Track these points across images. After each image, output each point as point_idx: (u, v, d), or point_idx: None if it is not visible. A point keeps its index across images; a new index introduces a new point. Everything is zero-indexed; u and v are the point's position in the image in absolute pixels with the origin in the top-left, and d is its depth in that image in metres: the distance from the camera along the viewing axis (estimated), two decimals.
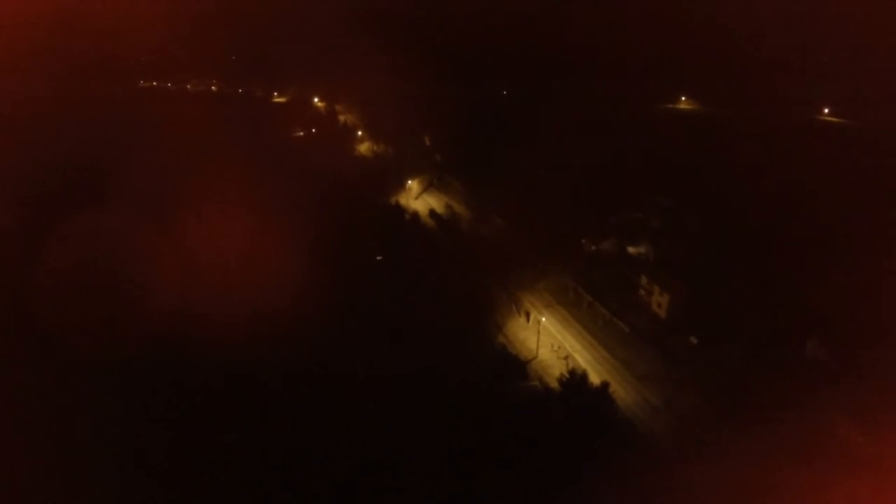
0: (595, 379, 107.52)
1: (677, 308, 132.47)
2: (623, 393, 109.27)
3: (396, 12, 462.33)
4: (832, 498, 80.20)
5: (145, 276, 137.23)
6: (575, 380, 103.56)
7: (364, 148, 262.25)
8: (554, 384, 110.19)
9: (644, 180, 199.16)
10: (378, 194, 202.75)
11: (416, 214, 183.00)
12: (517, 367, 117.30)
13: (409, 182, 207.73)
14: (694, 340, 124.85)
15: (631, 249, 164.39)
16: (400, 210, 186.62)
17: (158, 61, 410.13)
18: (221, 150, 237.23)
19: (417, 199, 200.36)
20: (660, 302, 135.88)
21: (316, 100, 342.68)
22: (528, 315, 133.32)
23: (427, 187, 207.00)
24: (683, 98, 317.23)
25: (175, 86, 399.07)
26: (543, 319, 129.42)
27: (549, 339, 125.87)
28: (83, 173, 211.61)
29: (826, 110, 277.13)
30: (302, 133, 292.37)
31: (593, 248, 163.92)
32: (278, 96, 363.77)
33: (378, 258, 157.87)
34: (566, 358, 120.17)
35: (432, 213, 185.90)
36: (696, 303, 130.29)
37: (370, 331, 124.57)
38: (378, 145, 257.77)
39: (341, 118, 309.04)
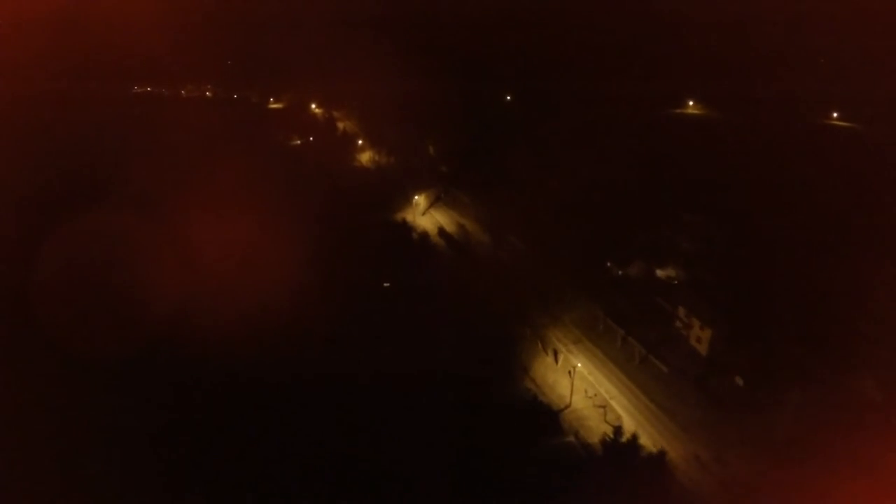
0: (633, 426, 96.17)
1: (718, 342, 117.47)
2: (668, 447, 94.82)
3: (396, 16, 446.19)
4: None
5: (130, 289, 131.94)
6: (620, 441, 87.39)
7: (365, 158, 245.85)
8: (593, 440, 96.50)
9: (665, 193, 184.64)
10: (382, 210, 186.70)
11: (424, 234, 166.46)
12: (550, 418, 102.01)
13: (415, 196, 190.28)
14: (739, 381, 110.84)
15: (659, 272, 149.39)
16: (407, 228, 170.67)
17: (153, 65, 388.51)
18: (213, 162, 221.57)
19: (424, 214, 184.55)
20: (699, 336, 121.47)
21: (313, 106, 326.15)
22: (555, 353, 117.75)
23: (434, 202, 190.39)
24: (691, 102, 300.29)
25: (169, 91, 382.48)
26: (578, 365, 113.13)
27: (581, 383, 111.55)
28: (71, 179, 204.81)
29: (835, 114, 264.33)
30: (299, 141, 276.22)
31: (619, 272, 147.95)
32: (274, 102, 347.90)
33: (385, 285, 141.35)
34: (604, 407, 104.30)
35: (442, 231, 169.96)
36: (738, 336, 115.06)
37: (377, 376, 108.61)
38: (380, 155, 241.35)
39: (340, 125, 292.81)
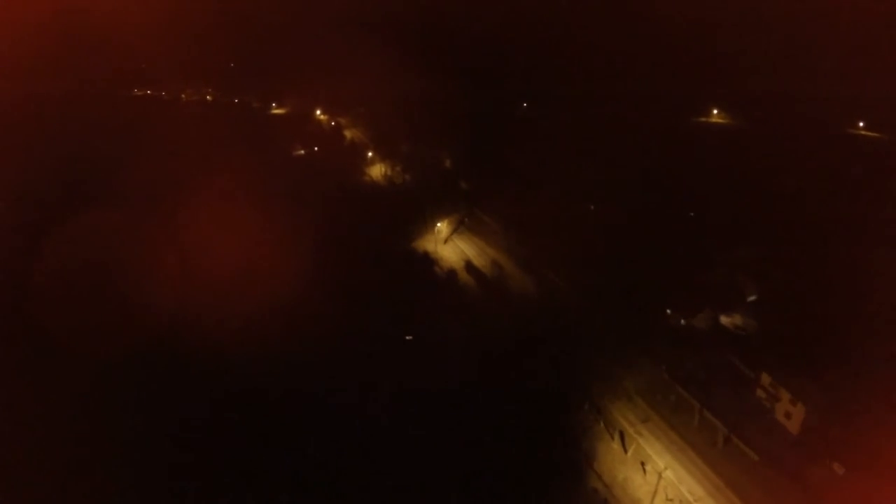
0: None
1: (810, 417, 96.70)
2: None
3: (407, 19, 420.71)
4: None
5: (127, 295, 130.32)
6: None
7: (376, 172, 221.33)
8: None
9: (712, 219, 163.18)
10: (398, 237, 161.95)
11: (451, 271, 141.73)
12: None
13: (436, 221, 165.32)
14: (839, 470, 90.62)
15: (724, 320, 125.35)
16: (429, 262, 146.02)
17: (154, 68, 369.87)
18: (210, 173, 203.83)
19: (447, 243, 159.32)
20: (788, 411, 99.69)
21: (318, 112, 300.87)
22: (622, 437, 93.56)
23: (457, 227, 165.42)
24: (715, 111, 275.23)
25: (169, 94, 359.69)
26: (665, 471, 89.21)
27: (656, 477, 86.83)
28: (68, 183, 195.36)
29: (861, 123, 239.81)
30: (303, 151, 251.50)
31: (682, 321, 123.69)
32: (277, 107, 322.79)
33: (407, 338, 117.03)
34: None
35: (469, 266, 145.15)
36: (831, 408, 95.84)
37: (399, 472, 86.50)
38: (392, 169, 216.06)
39: (347, 134, 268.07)
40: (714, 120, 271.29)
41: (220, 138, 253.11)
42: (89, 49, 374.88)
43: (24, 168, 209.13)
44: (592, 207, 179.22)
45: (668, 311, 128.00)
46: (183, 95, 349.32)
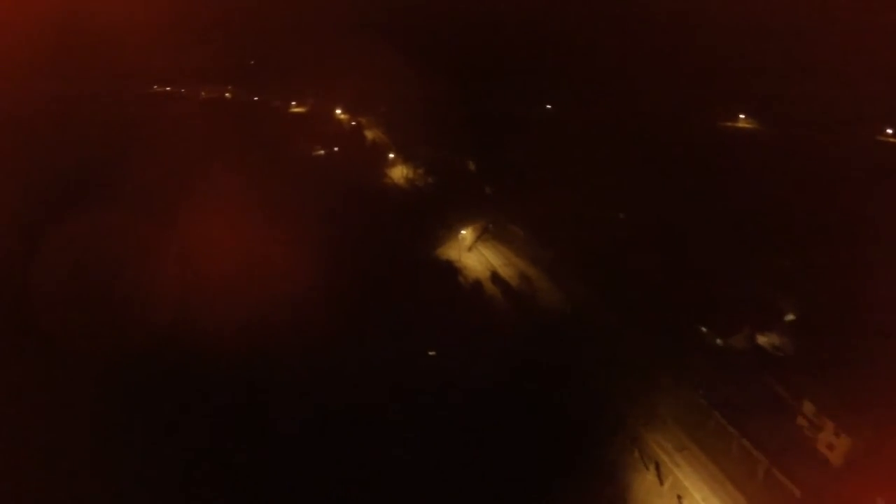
0: None
1: (854, 450, 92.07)
2: None
3: (430, 17, 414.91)
4: None
5: (133, 294, 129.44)
6: None
7: (397, 174, 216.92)
8: None
9: (744, 229, 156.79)
10: (420, 243, 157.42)
11: (476, 283, 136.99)
12: None
13: (460, 227, 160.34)
14: None
15: (761, 339, 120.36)
16: (452, 271, 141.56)
17: (173, 64, 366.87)
18: (229, 169, 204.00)
19: (471, 251, 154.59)
20: (831, 443, 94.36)
21: (339, 111, 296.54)
22: (658, 468, 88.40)
23: (481, 234, 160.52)
24: (742, 116, 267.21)
25: (188, 91, 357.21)
26: (694, 493, 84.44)
27: None
28: (81, 180, 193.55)
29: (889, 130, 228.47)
30: (322, 151, 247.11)
31: (718, 340, 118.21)
32: (297, 106, 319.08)
33: (430, 353, 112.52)
34: None
35: (495, 277, 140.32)
36: (874, 438, 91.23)
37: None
38: (414, 171, 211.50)
39: (368, 134, 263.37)
40: (741, 125, 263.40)
41: (238, 137, 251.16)
42: (107, 45, 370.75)
43: (35, 167, 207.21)
44: (622, 216, 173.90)
45: (704, 329, 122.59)
46: (202, 93, 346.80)
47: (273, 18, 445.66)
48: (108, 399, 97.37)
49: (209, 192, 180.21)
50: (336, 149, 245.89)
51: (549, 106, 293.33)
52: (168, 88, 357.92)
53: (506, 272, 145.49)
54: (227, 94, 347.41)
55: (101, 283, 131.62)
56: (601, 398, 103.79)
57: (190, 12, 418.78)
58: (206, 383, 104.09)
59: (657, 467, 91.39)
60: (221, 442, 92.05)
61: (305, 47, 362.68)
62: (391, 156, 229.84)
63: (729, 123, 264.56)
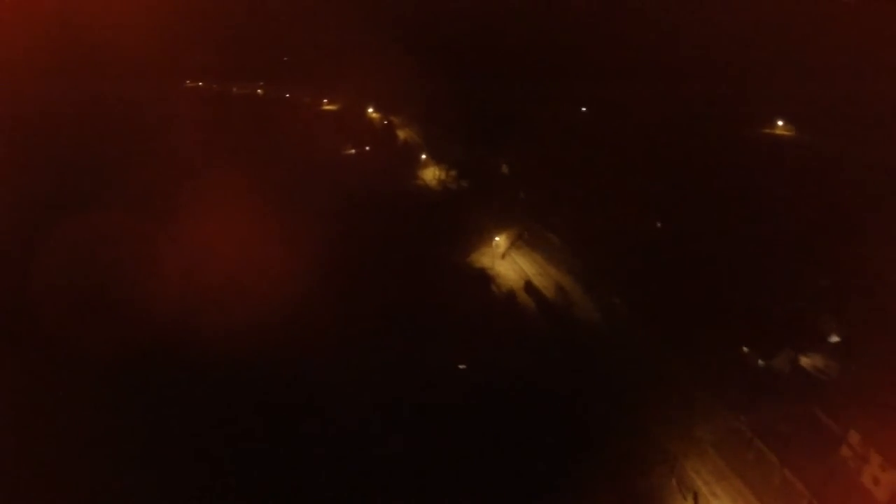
0: None
1: None
2: None
3: (466, 17, 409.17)
4: None
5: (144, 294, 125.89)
6: None
7: (429, 175, 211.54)
8: None
9: (788, 244, 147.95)
10: (452, 248, 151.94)
11: (510, 293, 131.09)
12: None
13: (493, 233, 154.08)
14: None
15: (804, 361, 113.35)
16: (485, 278, 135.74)
17: (210, 59, 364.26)
18: (260, 167, 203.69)
19: (504, 257, 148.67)
20: (877, 477, 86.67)
21: (370, 110, 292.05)
22: (695, 497, 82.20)
23: (515, 241, 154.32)
24: (780, 122, 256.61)
25: (220, 87, 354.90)
26: None
27: None
28: (111, 178, 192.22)
29: None
30: (353, 151, 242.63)
31: (760, 361, 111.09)
32: (328, 104, 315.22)
33: (460, 367, 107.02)
34: None
35: (529, 286, 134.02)
36: None
37: None
38: (446, 173, 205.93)
39: (400, 134, 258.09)
40: (778, 132, 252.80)
41: (268, 135, 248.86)
42: (140, 40, 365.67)
43: (52, 165, 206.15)
44: (659, 224, 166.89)
45: (745, 349, 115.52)
46: (234, 89, 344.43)
47: (306, 15, 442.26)
48: (108, 399, 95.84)
49: (232, 191, 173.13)
50: (367, 148, 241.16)
51: (584, 109, 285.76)
52: (200, 84, 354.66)
53: (540, 282, 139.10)
54: (259, 91, 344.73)
55: (101, 284, 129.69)
56: (638, 422, 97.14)
57: (224, 9, 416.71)
58: (207, 383, 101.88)
59: (695, 498, 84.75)
60: (222, 442, 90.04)
61: (338, 44, 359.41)
62: (423, 156, 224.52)
63: (766, 130, 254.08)
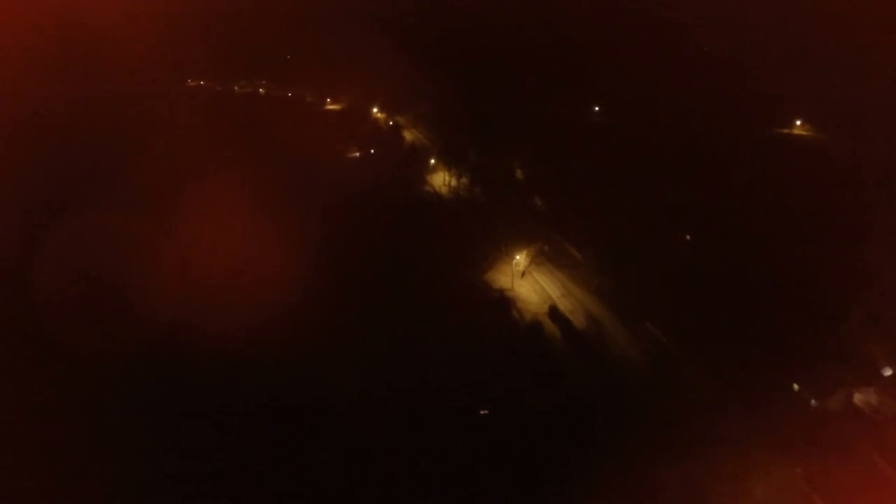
0: None
1: None
2: None
3: (475, 13, 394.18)
4: None
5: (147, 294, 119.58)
6: None
7: (438, 181, 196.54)
8: None
9: (829, 259, 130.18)
10: (465, 266, 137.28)
11: (535, 322, 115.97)
12: None
13: (510, 248, 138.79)
14: None
15: (857, 398, 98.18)
16: (504, 302, 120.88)
17: (209, 59, 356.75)
18: (259, 171, 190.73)
19: (524, 276, 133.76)
20: None
21: (375, 110, 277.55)
22: None
23: (535, 257, 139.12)
24: (799, 122, 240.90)
25: (222, 86, 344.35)
26: None
27: None
28: (111, 178, 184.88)
29: None
30: (358, 154, 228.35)
31: (813, 402, 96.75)
32: (332, 103, 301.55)
33: (482, 412, 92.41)
34: None
35: (554, 312, 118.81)
36: None
37: None
38: (458, 179, 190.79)
39: (407, 136, 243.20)
40: (797, 132, 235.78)
41: (270, 136, 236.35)
42: (140, 39, 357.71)
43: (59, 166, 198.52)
44: (688, 237, 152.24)
45: (796, 386, 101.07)
46: (236, 88, 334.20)
47: (309, 11, 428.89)
48: (107, 399, 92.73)
49: (232, 192, 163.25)
50: (372, 151, 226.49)
51: (596, 108, 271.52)
52: (201, 83, 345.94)
53: (565, 305, 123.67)
54: (260, 90, 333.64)
55: (101, 284, 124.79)
56: (684, 473, 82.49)
57: (224, 6, 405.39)
58: (208, 383, 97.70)
59: None
60: (223, 443, 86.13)
61: (342, 41, 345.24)
62: (432, 161, 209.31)
63: (784, 130, 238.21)
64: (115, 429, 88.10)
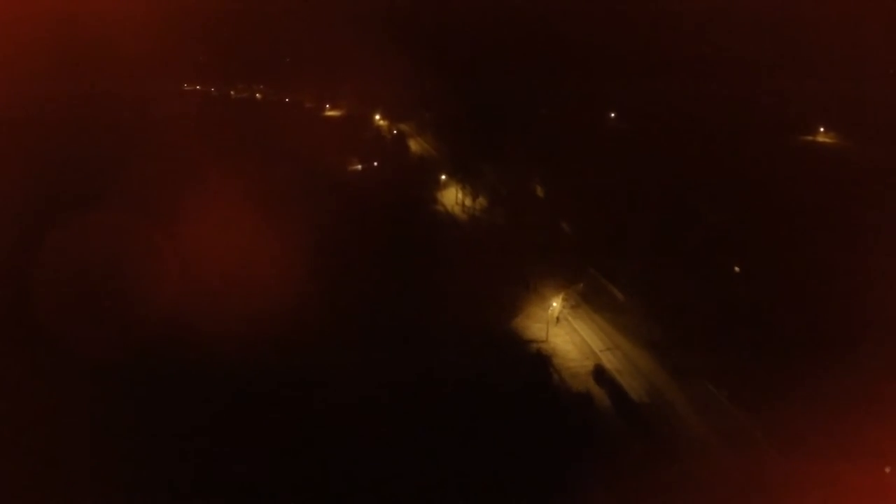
0: None
1: None
2: None
3: (487, 15, 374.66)
4: None
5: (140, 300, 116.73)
6: None
7: (449, 200, 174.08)
8: None
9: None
10: (490, 310, 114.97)
11: (574, 376, 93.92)
12: None
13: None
14: None
15: None
16: (541, 360, 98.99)
17: (205, 62, 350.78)
18: (255, 179, 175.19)
19: (559, 322, 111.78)
20: None
21: (377, 116, 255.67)
22: None
23: (570, 297, 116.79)
24: (822, 129, 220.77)
25: (218, 90, 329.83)
26: None
27: None
28: (109, 179, 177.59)
29: None
30: (360, 167, 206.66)
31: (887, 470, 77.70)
32: (331, 109, 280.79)
33: None
34: None
35: (599, 372, 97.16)
36: None
37: None
38: (473, 198, 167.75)
39: (412, 145, 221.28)
40: (820, 139, 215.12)
41: (266, 143, 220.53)
42: (134, 42, 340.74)
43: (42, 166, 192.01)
44: (737, 269, 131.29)
45: (888, 469, 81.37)
46: (232, 92, 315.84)
47: (308, 12, 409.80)
48: (107, 398, 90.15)
49: (229, 197, 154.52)
50: (375, 164, 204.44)
51: (612, 115, 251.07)
52: (197, 87, 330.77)
53: (612, 363, 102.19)
54: (257, 95, 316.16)
55: (101, 284, 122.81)
56: None
57: (221, 8, 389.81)
58: (208, 383, 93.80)
59: None
60: (224, 443, 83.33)
61: (342, 42, 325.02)
62: (442, 176, 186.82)
63: (808, 138, 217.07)
64: (115, 429, 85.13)
